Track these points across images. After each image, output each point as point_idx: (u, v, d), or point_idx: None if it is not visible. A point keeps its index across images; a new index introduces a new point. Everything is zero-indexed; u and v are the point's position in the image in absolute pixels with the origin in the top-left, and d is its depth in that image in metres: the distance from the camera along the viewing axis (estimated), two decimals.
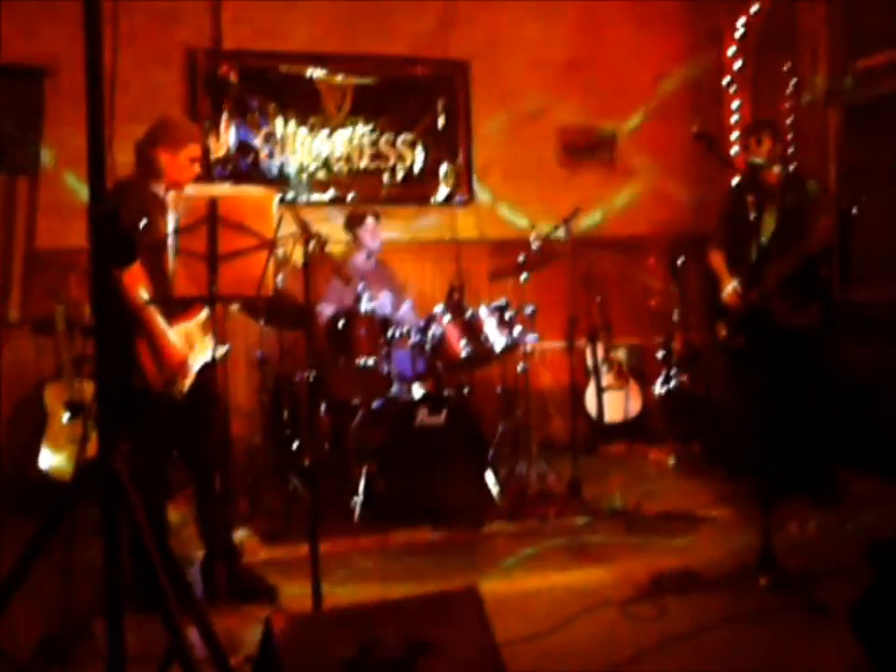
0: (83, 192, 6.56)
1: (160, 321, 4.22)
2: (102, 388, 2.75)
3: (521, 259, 6.11)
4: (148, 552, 2.68)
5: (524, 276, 6.10)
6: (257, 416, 6.39)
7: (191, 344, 4.36)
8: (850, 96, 6.87)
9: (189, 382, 4.33)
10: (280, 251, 4.72)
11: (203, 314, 4.42)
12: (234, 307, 5.72)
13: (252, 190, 4.38)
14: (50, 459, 6.00)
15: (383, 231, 6.60)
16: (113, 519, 2.64)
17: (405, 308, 6.09)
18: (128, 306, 4.10)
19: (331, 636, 2.77)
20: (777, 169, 5.67)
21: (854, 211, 5.69)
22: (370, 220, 6.46)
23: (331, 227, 6.83)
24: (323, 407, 5.94)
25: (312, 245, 4.13)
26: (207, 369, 4.42)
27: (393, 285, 6.56)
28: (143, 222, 4.13)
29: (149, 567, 2.67)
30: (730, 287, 5.75)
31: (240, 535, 5.11)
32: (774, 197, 5.61)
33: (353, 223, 6.54)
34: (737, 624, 3.93)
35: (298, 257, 5.12)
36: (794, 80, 7.18)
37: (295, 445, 5.93)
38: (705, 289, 6.52)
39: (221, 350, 4.47)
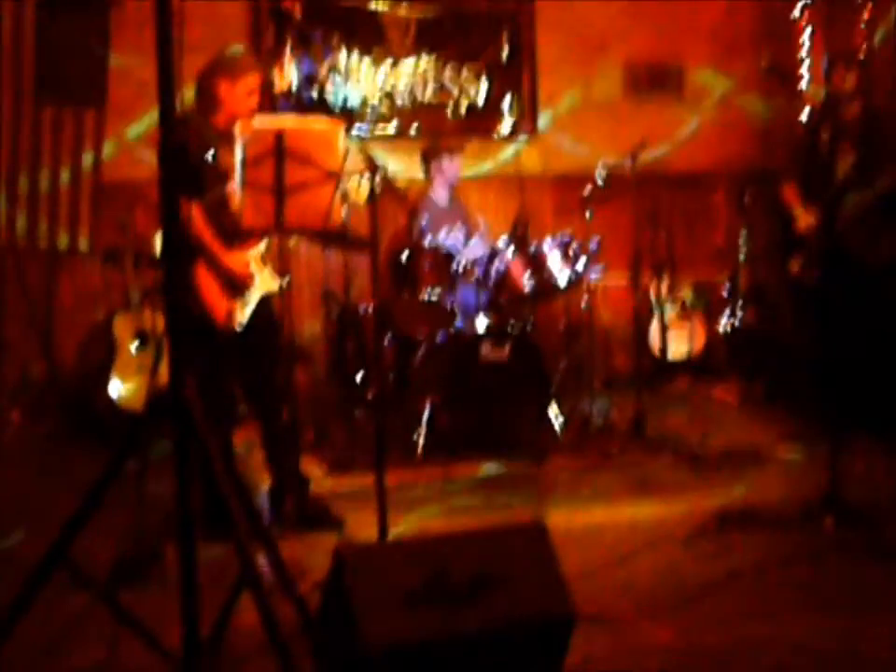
0: (142, 126, 6.64)
1: (220, 247, 4.26)
2: (171, 319, 2.77)
3: (586, 192, 6.05)
4: (219, 481, 2.73)
5: (588, 211, 6.04)
6: (322, 348, 6.44)
7: (249, 273, 4.39)
8: None
9: (248, 312, 4.36)
10: (346, 184, 4.72)
11: (262, 246, 4.45)
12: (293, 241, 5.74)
13: (318, 122, 4.35)
14: (119, 389, 6.10)
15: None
16: (185, 449, 2.68)
17: (474, 242, 6.06)
18: (192, 236, 4.13)
19: (397, 567, 2.79)
20: (855, 104, 5.54)
21: None
22: (446, 155, 6.41)
23: (396, 159, 6.81)
24: (387, 340, 5.96)
25: (378, 178, 4.12)
26: (266, 301, 4.46)
27: (466, 219, 6.52)
28: (209, 154, 4.16)
29: (220, 495, 2.71)
30: (805, 219, 5.64)
31: (306, 464, 5.17)
32: (850, 132, 5.48)
33: (430, 155, 6.47)
34: (801, 563, 3.91)
35: (363, 190, 5.13)
36: (868, 12, 6.96)
37: (360, 377, 5.98)
38: (774, 225, 6.41)
39: (282, 281, 4.49)
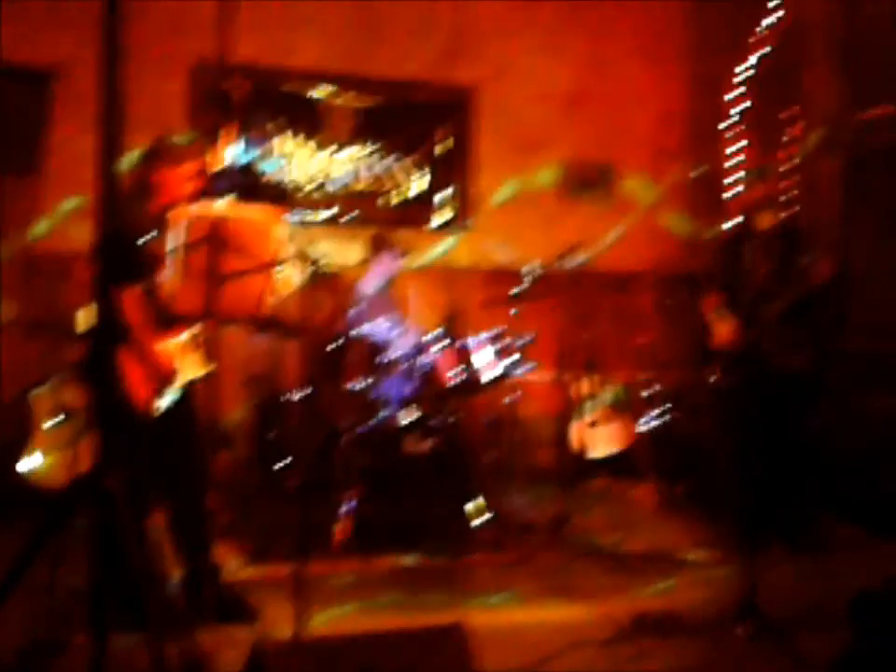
0: (77, 200, 6.61)
1: (149, 335, 4.23)
2: (99, 407, 2.75)
3: (516, 290, 6.13)
4: (136, 571, 2.68)
5: (516, 309, 6.12)
6: (244, 434, 6.38)
7: (178, 360, 4.36)
8: (850, 146, 6.94)
9: (169, 400, 4.32)
10: (282, 272, 4.73)
11: (193, 331, 4.43)
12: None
13: (256, 211, 4.38)
14: (33, 463, 5.97)
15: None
16: (103, 536, 2.64)
17: (400, 333, 6.08)
18: (121, 321, 4.10)
19: (316, 664, 2.76)
20: (771, 215, 5.74)
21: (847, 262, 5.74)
22: (393, 251, 6.45)
23: (329, 245, 6.86)
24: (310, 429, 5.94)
25: (313, 267, 4.14)
26: (190, 388, 4.42)
27: (393, 310, 6.55)
28: (145, 239, 4.16)
29: (136, 584, 2.67)
30: (723, 328, 5.79)
31: (223, 552, 5.08)
32: (768, 241, 5.66)
33: (379, 245, 6.50)
34: (717, 670, 3.94)
35: (297, 278, 5.13)
36: (794, 128, 7.23)
37: (282, 465, 5.93)
38: (695, 328, 6.55)
39: (207, 370, 4.47)
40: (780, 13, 7.38)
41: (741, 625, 4.23)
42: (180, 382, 4.36)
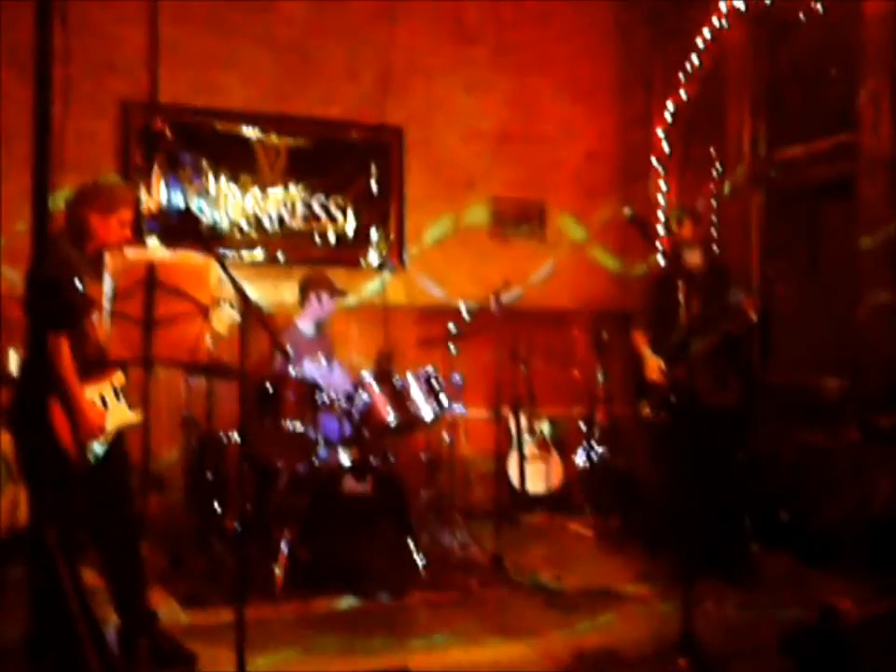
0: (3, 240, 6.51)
1: (78, 383, 4.17)
2: (32, 455, 2.72)
3: (452, 328, 6.17)
4: (77, 621, 2.66)
5: (453, 346, 6.16)
6: (179, 475, 6.31)
7: (106, 407, 4.30)
8: (772, 183, 7.12)
9: (101, 448, 4.26)
10: (217, 313, 4.70)
11: (118, 377, 4.37)
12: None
13: (191, 256, 4.35)
14: None
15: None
16: (42, 589, 2.61)
17: (335, 373, 6.09)
18: (51, 367, 4.04)
19: None
20: (697, 254, 5.86)
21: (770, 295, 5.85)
22: (327, 292, 6.42)
23: (261, 285, 6.86)
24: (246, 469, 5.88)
25: (245, 307, 4.12)
26: (120, 435, 4.37)
27: (330, 350, 6.54)
28: (77, 283, 4.11)
29: (75, 635, 2.64)
30: (654, 364, 5.88)
31: (158, 597, 5.02)
32: (696, 279, 5.77)
33: (312, 286, 6.46)
34: None
35: (225, 322, 5.12)
36: (719, 165, 7.40)
37: (218, 506, 5.87)
38: (627, 364, 6.65)
39: (137, 416, 4.42)
40: (703, 53, 7.56)
41: (680, 658, 4.26)
42: (111, 429, 4.30)
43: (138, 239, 6.62)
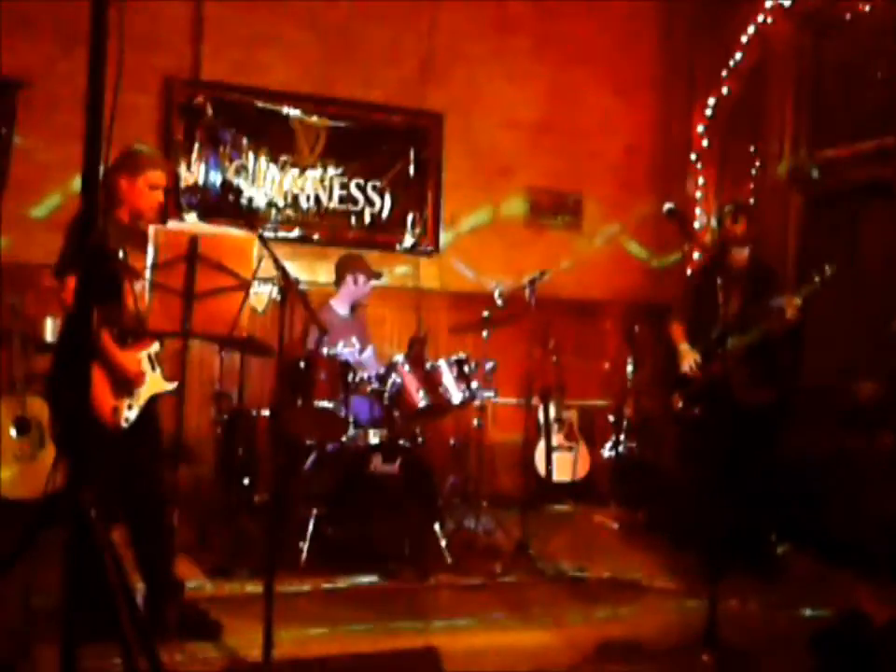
0: (43, 209, 6.58)
1: (118, 349, 4.21)
2: (70, 424, 2.74)
3: (485, 314, 6.18)
4: (113, 583, 2.68)
5: (485, 332, 6.17)
6: (209, 449, 6.36)
7: (145, 375, 4.34)
8: (813, 184, 7.07)
9: (135, 412, 4.30)
10: (256, 290, 4.73)
11: (156, 346, 4.41)
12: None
13: (233, 231, 4.38)
14: None
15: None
16: (77, 552, 2.63)
17: (368, 354, 6.11)
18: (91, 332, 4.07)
19: None
20: (746, 251, 5.82)
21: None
22: (364, 275, 6.45)
23: (298, 264, 6.90)
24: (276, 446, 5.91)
25: (286, 285, 4.15)
26: (153, 402, 4.41)
27: (364, 331, 6.57)
28: (120, 251, 4.15)
29: (109, 598, 2.66)
30: (690, 358, 5.85)
31: (186, 568, 5.06)
32: (740, 276, 5.74)
33: (348, 268, 6.49)
34: None
35: (262, 299, 5.15)
36: (759, 163, 7.36)
37: (246, 481, 5.91)
38: (660, 358, 6.63)
39: (171, 384, 4.45)
40: (746, 49, 7.52)
41: (705, 653, 4.26)
42: (146, 396, 4.34)
43: (177, 213, 6.67)
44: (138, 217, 4.30)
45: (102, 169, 4.27)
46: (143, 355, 4.34)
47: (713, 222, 7.34)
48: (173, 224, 4.28)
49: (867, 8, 6.61)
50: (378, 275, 6.54)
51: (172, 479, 4.92)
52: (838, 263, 5.45)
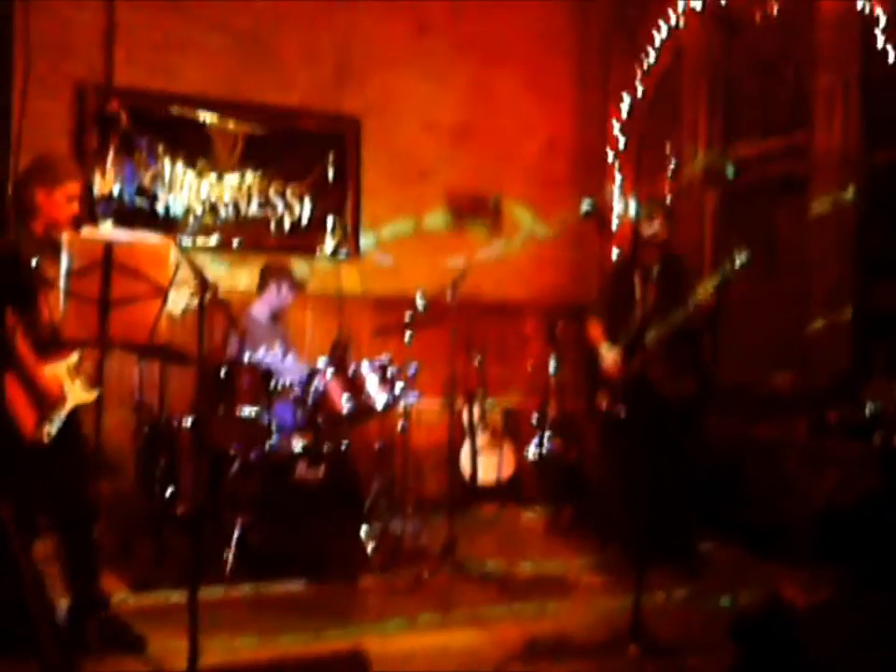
0: None
1: (36, 361, 4.14)
2: None
3: (407, 317, 6.18)
4: (29, 597, 2.64)
5: (408, 336, 6.17)
6: (130, 460, 6.26)
7: (64, 386, 4.27)
8: (727, 180, 7.20)
9: (56, 425, 4.23)
10: (173, 297, 4.67)
11: (75, 357, 4.34)
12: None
13: (148, 237, 4.33)
14: None
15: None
16: None
17: (289, 360, 6.07)
18: (7, 344, 4.01)
19: None
20: (658, 247, 5.89)
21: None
22: (288, 283, 6.44)
23: (216, 271, 6.84)
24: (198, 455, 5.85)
25: (205, 292, 4.10)
26: (75, 413, 4.33)
27: (286, 337, 6.53)
28: (33, 261, 4.08)
29: (26, 612, 2.63)
30: (610, 356, 5.90)
31: (108, 581, 4.98)
32: (655, 273, 5.81)
33: (272, 275, 6.47)
34: None
35: (180, 304, 5.08)
36: (675, 161, 7.47)
37: (169, 492, 5.83)
38: (581, 356, 6.68)
39: (92, 394, 4.39)
40: (660, 50, 7.63)
41: (632, 646, 4.31)
42: (67, 407, 4.27)
43: (91, 222, 6.56)
44: (53, 229, 4.23)
45: (13, 179, 4.24)
46: (62, 367, 4.27)
47: (630, 220, 7.42)
48: (87, 231, 4.20)
49: (776, 10, 6.75)
50: (302, 287, 6.55)
51: (93, 492, 4.83)
52: (753, 257, 5.53)
